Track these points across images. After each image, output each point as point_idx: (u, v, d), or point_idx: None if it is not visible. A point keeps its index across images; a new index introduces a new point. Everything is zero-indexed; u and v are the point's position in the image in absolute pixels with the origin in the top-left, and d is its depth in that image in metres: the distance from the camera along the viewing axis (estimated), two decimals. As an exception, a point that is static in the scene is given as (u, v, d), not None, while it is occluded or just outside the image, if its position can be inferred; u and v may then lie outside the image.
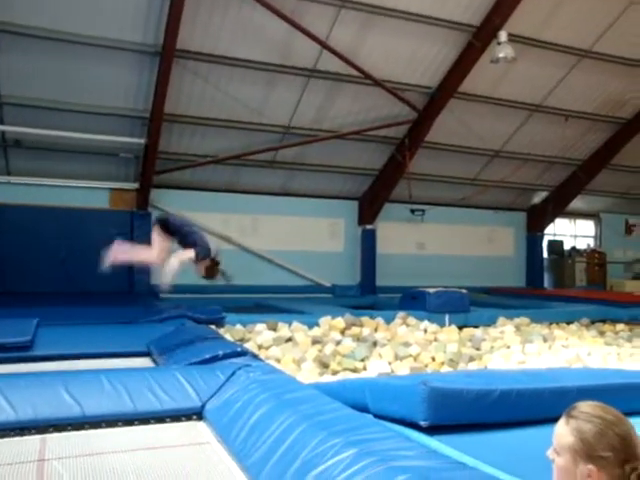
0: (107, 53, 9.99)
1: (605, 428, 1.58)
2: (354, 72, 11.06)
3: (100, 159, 11.94)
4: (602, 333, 9.74)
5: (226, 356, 4.97)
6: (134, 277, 12.32)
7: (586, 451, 1.57)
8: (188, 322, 7.67)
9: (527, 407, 3.61)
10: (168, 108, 10.82)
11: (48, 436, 3.47)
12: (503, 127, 13.68)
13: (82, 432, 3.58)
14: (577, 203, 16.88)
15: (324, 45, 10.44)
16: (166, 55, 9.78)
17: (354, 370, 6.74)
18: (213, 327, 7.78)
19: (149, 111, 10.88)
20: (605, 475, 1.56)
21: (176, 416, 3.91)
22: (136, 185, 12.41)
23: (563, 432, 1.64)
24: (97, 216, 12.28)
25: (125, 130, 11.28)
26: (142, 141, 11.30)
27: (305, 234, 14.10)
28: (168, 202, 12.90)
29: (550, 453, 1.67)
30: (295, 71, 11.17)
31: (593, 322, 10.69)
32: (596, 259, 17.83)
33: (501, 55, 10.55)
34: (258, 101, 11.55)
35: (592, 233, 18.90)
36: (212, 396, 4.03)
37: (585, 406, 1.65)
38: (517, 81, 12.38)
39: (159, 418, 3.86)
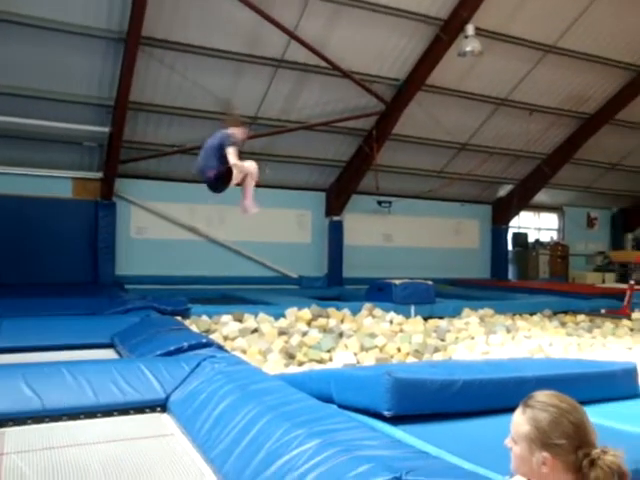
0: (71, 39, 9.77)
1: (559, 416, 1.61)
2: (322, 63, 11.04)
3: (63, 147, 11.70)
4: (564, 324, 9.95)
5: (191, 347, 4.95)
6: (99, 268, 12.15)
7: (541, 439, 1.61)
8: (153, 313, 7.61)
9: (489, 397, 3.68)
10: (134, 96, 10.66)
11: (7, 430, 3.41)
12: (469, 120, 13.82)
13: (42, 425, 3.53)
14: (541, 196, 17.17)
15: (292, 35, 10.39)
16: (131, 42, 9.61)
17: (320, 361, 6.76)
18: (179, 318, 7.73)
19: (114, 99, 10.70)
20: (560, 462, 1.60)
21: (140, 408, 3.88)
22: (100, 174, 12.20)
23: (520, 421, 1.67)
24: (60, 205, 12.05)
25: (89, 118, 11.06)
26: (106, 130, 11.11)
27: (272, 225, 14.05)
28: (133, 192, 12.76)
29: (508, 442, 1.70)
30: (263, 61, 11.09)
31: (555, 313, 10.91)
32: (559, 251, 18.18)
33: (468, 49, 10.64)
34: (225, 91, 11.44)
35: (555, 226, 19.26)
36: (176, 388, 4.01)
37: (541, 395, 1.69)
38: (483, 75, 12.51)
39: (122, 410, 3.82)
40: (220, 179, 5.87)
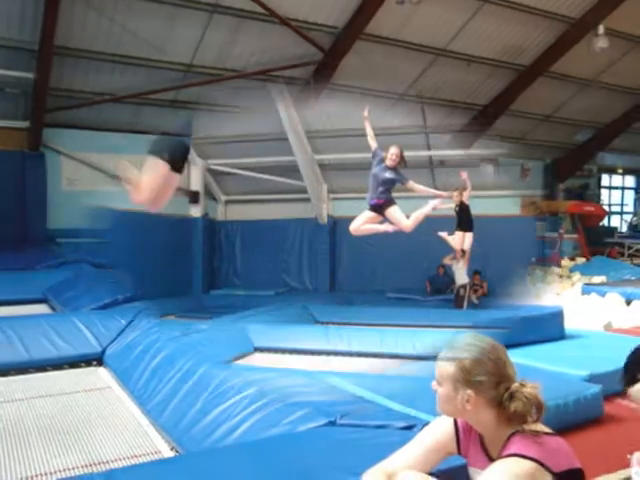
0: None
1: (480, 355, 1.70)
2: (258, 9, 10.71)
3: (-17, 94, 11.05)
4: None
5: (127, 300, 4.88)
6: (28, 221, 11.68)
7: (464, 377, 1.69)
8: (87, 267, 7.44)
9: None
10: (60, 41, 10.11)
11: None
12: (408, 70, 13.76)
13: (-29, 382, 3.44)
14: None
15: (227, -22, 10.03)
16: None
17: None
18: (114, 271, 7.57)
19: (37, 43, 10.11)
20: (482, 398, 1.68)
21: (75, 362, 3.84)
22: (26, 124, 11.62)
23: (444, 364, 1.74)
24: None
25: (10, 63, 10.41)
26: (30, 75, 10.52)
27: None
28: (63, 142, 12.24)
29: (434, 385, 1.77)
30: (197, 5, 10.64)
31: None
32: (493, 202, 18.60)
33: (407, -4, 10.53)
34: (158, 36, 10.97)
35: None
36: (113, 341, 3.96)
37: (462, 338, 1.76)
38: (422, 24, 12.40)
39: (56, 365, 3.78)
40: None
